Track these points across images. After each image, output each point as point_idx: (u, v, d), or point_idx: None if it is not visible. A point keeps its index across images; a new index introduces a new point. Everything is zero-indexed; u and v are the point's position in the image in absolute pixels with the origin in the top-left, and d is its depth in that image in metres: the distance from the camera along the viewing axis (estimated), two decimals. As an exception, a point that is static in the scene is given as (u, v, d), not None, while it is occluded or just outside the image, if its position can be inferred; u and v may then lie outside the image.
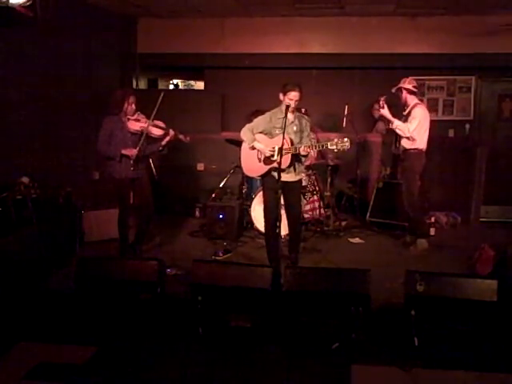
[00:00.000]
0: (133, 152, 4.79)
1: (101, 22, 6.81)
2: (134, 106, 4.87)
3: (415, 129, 5.33)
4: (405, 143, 5.45)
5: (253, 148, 4.71)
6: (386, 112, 5.47)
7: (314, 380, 3.14)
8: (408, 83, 5.45)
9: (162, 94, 4.80)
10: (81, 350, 3.40)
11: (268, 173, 4.67)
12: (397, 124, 5.40)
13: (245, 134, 4.72)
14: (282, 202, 4.61)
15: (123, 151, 4.80)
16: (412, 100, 5.47)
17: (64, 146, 5.97)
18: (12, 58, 5.20)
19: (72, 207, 5.38)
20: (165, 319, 3.78)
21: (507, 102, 7.50)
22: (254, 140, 4.68)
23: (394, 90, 5.53)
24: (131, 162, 4.79)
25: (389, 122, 5.54)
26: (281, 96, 4.54)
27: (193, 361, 3.33)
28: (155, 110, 4.80)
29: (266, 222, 4.75)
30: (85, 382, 3.12)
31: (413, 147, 5.40)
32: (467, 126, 7.52)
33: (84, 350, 3.40)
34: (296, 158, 4.62)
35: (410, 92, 5.46)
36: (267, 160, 4.65)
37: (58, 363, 3.26)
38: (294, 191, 4.76)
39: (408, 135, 5.35)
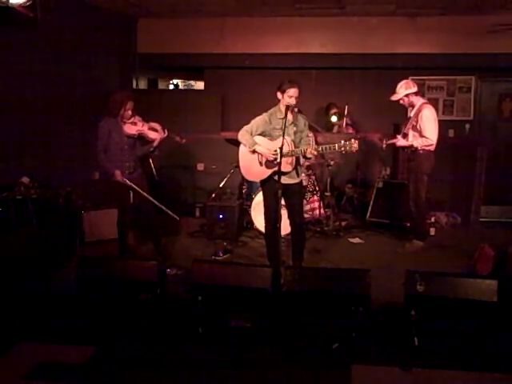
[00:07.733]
0: (117, 175, 4.75)
1: (101, 22, 6.80)
2: (130, 112, 4.80)
3: (434, 132, 5.25)
4: (415, 143, 5.32)
5: (254, 152, 4.53)
6: (402, 142, 5.42)
7: (314, 380, 3.13)
8: (413, 86, 5.33)
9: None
10: (80, 350, 3.41)
11: (270, 176, 4.49)
12: (417, 143, 5.28)
13: (243, 136, 4.49)
14: (283, 202, 4.56)
15: (115, 172, 4.76)
16: (417, 100, 5.37)
17: (64, 146, 5.95)
18: (12, 58, 5.20)
19: (72, 207, 5.38)
20: (165, 319, 3.78)
21: (507, 101, 7.49)
22: (255, 143, 4.48)
23: (400, 98, 5.35)
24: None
25: (410, 147, 5.39)
26: (279, 95, 4.37)
27: (193, 361, 3.33)
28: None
29: (266, 222, 4.68)
30: (84, 382, 3.12)
31: (421, 147, 5.30)
32: (467, 125, 7.51)
33: (84, 350, 3.41)
34: (298, 159, 4.49)
35: (416, 93, 5.38)
36: (269, 163, 4.48)
37: (58, 363, 3.27)
38: (296, 194, 4.64)
39: (433, 142, 5.25)
